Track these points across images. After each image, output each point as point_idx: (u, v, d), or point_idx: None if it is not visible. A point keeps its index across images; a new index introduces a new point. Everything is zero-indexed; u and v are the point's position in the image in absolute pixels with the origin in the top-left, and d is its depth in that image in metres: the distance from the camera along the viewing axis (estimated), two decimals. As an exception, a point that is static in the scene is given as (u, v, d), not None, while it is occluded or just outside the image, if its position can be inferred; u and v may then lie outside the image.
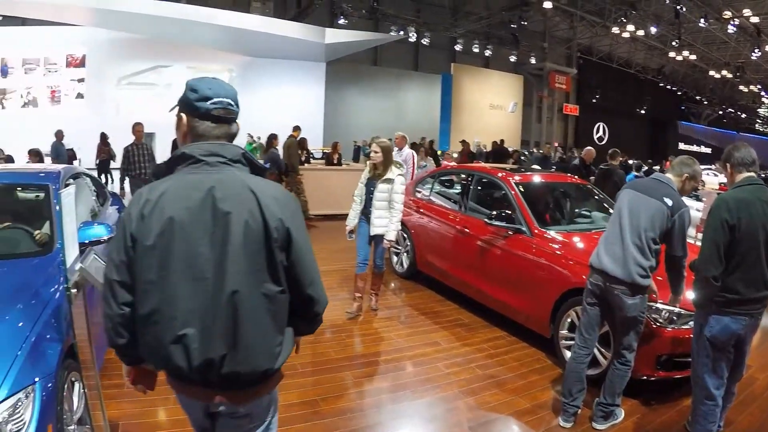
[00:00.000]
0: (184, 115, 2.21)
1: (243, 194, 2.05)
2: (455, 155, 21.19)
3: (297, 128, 13.28)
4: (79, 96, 27.48)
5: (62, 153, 15.44)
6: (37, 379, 2.80)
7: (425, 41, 30.01)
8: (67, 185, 4.94)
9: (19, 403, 2.67)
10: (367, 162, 6.72)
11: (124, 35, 26.02)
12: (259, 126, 25.06)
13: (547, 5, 25.96)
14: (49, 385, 2.86)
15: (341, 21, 27.34)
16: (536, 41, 33.66)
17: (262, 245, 2.04)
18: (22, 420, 2.64)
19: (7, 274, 3.84)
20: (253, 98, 27.05)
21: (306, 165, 14.03)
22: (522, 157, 22.02)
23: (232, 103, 2.22)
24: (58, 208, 4.48)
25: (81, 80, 27.46)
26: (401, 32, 28.84)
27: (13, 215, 5.10)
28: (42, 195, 5.03)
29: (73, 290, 3.33)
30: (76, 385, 3.32)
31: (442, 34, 31.37)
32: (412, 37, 29.42)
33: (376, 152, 6.28)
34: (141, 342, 2.07)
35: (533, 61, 33.90)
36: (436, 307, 7.07)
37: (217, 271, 2.00)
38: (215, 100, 2.15)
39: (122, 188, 9.84)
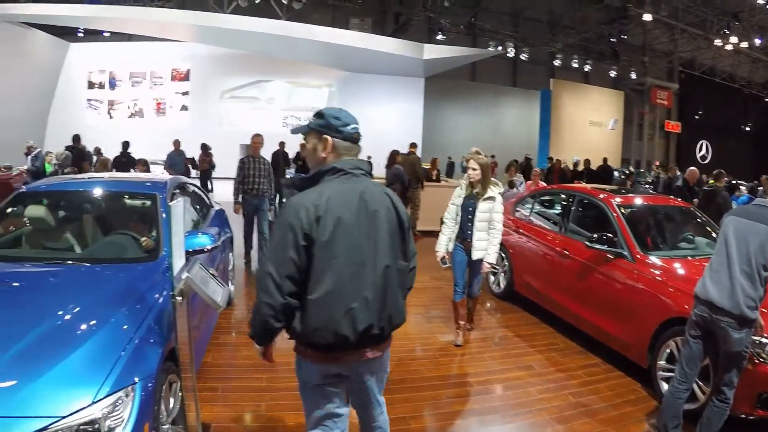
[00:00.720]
0: (329, 137, 2.76)
1: (381, 196, 2.80)
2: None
3: (414, 145, 13.45)
4: (184, 108, 28.68)
5: (177, 162, 15.30)
6: (137, 380, 2.97)
7: (523, 56, 29.56)
8: (173, 195, 5.31)
9: (120, 401, 2.84)
10: (461, 180, 6.22)
11: (226, 50, 26.77)
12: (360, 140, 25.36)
13: (647, 17, 25.15)
14: (149, 385, 3.05)
15: (439, 37, 27.13)
16: (636, 55, 32.59)
17: (397, 233, 2.82)
18: (120, 417, 2.81)
19: (115, 277, 4.12)
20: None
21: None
22: (638, 179, 21.36)
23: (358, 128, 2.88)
24: (164, 216, 4.78)
25: (185, 93, 28.63)
26: (499, 47, 28.50)
27: (122, 222, 5.43)
28: (149, 203, 5.27)
29: (178, 298, 3.45)
30: (173, 387, 3.52)
31: (540, 49, 30.81)
32: (510, 53, 28.96)
33: (474, 169, 5.82)
34: (308, 322, 2.61)
35: (633, 75, 32.85)
36: (532, 329, 6.95)
37: (372, 255, 2.68)
38: (353, 125, 2.83)
39: (237, 201, 9.14)
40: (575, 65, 30.98)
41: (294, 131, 2.99)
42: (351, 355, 2.67)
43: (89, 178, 6.65)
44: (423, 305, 7.71)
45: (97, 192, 5.74)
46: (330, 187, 2.65)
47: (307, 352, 2.70)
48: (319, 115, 2.82)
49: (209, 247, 4.47)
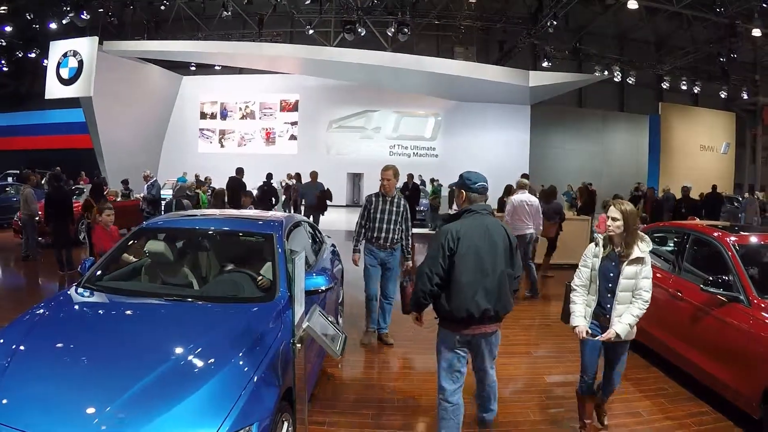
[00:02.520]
0: (464, 191, 4.27)
1: (499, 227, 4.20)
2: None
3: (527, 176, 13.05)
4: (292, 138, 29.59)
5: (309, 195, 15.56)
6: (254, 421, 3.11)
7: (630, 80, 28.71)
8: (289, 233, 5.53)
9: None
10: (597, 234, 5.31)
11: (333, 82, 27.32)
12: (467, 168, 25.21)
13: (756, 32, 23.96)
14: (265, 425, 3.17)
15: (544, 63, 26.77)
16: (747, 73, 31.13)
17: (508, 251, 4.17)
18: None
19: (233, 317, 4.29)
20: (459, 142, 27.35)
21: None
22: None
23: (486, 182, 4.29)
24: (280, 255, 4.91)
25: (294, 123, 29.53)
26: (605, 72, 27.79)
27: (238, 260, 5.59)
28: (265, 242, 5.38)
29: (298, 345, 3.66)
30: (284, 425, 3.61)
31: (647, 71, 29.87)
32: (617, 77, 28.22)
33: (615, 219, 4.46)
34: (450, 304, 4.04)
35: (745, 96, 31.38)
36: (640, 372, 6.56)
37: (491, 264, 4.05)
38: (480, 183, 4.24)
39: (356, 249, 7.30)
40: (684, 87, 29.85)
41: (451, 186, 5.28)
42: (475, 327, 4.08)
43: (205, 215, 6.83)
44: (529, 343, 7.66)
45: (214, 230, 5.97)
46: (467, 220, 4.15)
47: (448, 324, 4.15)
48: (459, 177, 4.35)
49: (324, 288, 4.75)
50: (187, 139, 31.15)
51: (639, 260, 4.50)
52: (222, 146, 31.12)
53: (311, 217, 15.09)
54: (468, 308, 3.97)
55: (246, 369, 3.45)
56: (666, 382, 6.28)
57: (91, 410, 3.02)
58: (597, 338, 4.53)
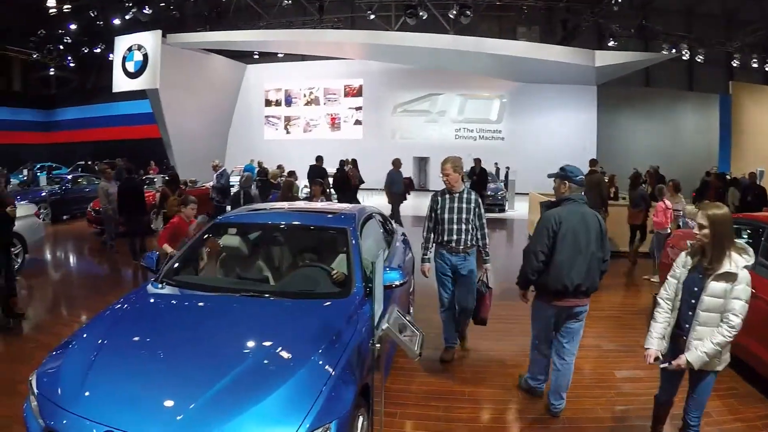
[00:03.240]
0: (567, 182, 4.79)
1: (593, 216, 4.77)
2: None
3: (595, 162, 12.80)
4: (357, 122, 29.87)
5: (396, 182, 15.25)
6: (333, 419, 3.11)
7: (699, 58, 27.79)
8: (362, 225, 5.55)
9: None
10: (687, 241, 4.47)
11: (397, 66, 27.28)
12: (533, 151, 24.80)
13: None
14: (343, 424, 3.17)
15: (610, 42, 26.12)
16: (822, 50, 29.84)
17: (599, 236, 4.71)
18: None
19: (311, 313, 4.31)
20: (525, 124, 27.07)
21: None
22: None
23: (583, 176, 4.93)
24: (354, 249, 4.93)
25: (358, 108, 29.81)
26: (673, 50, 26.93)
27: (312, 254, 5.66)
28: (339, 236, 5.42)
29: (377, 345, 3.67)
30: (360, 419, 3.60)
31: (716, 48, 28.88)
32: (685, 55, 27.35)
33: (702, 226, 3.76)
34: (548, 278, 4.68)
35: (820, 72, 30.14)
36: None
37: (585, 246, 4.63)
38: (579, 176, 4.83)
39: (425, 258, 6.30)
40: (755, 65, 28.76)
41: (551, 176, 5.08)
42: (566, 300, 4.71)
43: (277, 209, 6.89)
44: (599, 336, 7.32)
45: (288, 224, 6.01)
46: (567, 207, 4.75)
47: (544, 296, 4.81)
48: (562, 169, 4.90)
49: (398, 283, 4.73)
50: (252, 126, 31.70)
51: (730, 276, 3.69)
52: (288, 132, 31.59)
53: (394, 205, 15.13)
54: (564, 282, 4.64)
55: (325, 367, 3.47)
56: (737, 382, 5.99)
57: (174, 407, 3.10)
58: (664, 366, 3.91)
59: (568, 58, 23.57)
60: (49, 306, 8.85)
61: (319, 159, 15.97)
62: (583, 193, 4.85)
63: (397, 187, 15.25)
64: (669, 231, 9.60)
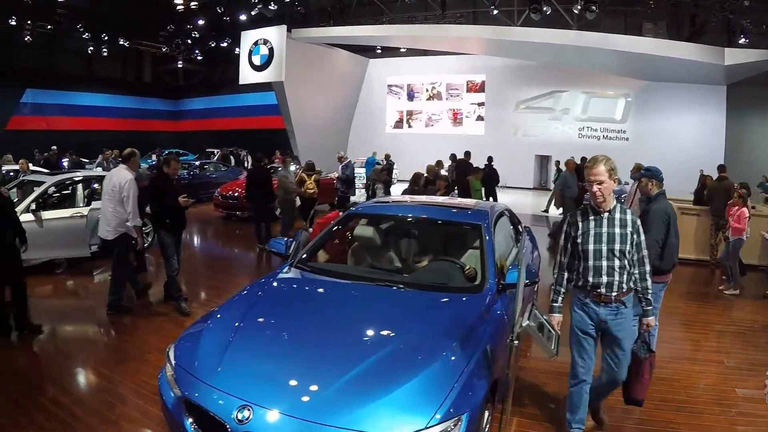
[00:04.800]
0: (656, 181, 5.86)
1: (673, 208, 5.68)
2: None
3: (724, 168, 12.49)
4: (479, 118, 29.85)
5: (571, 185, 13.66)
6: (465, 412, 3.15)
7: (840, 56, 26.13)
8: (495, 222, 5.53)
9: (448, 430, 3.04)
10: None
11: (520, 62, 27.26)
12: (659, 153, 23.98)
13: None
14: (473, 418, 3.20)
15: (741, 40, 25.07)
16: None
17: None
18: None
19: (445, 306, 4.38)
20: (650, 125, 26.36)
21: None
22: None
23: None
24: (488, 246, 4.93)
25: (481, 104, 29.76)
26: (812, 47, 25.51)
27: (444, 248, 5.78)
28: (472, 231, 5.50)
29: (515, 341, 3.73)
30: (485, 414, 3.59)
31: None
32: (826, 52, 25.82)
33: None
34: (662, 257, 5.49)
35: None
36: None
37: (674, 233, 5.57)
38: (661, 175, 5.81)
39: (554, 304, 4.85)
40: None
41: (634, 177, 7.62)
42: (669, 277, 5.75)
43: (410, 202, 6.98)
44: (722, 351, 7.12)
45: (422, 218, 6.05)
46: (664, 201, 5.75)
47: (656, 277, 5.03)
48: (648, 170, 6.02)
49: (529, 282, 4.59)
50: (374, 119, 32.26)
51: None
52: (410, 127, 31.99)
53: (566, 211, 13.90)
54: (674, 260, 5.76)
55: (460, 360, 3.53)
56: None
57: (311, 389, 3.24)
58: None
59: (696, 55, 22.67)
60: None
61: (467, 154, 16.36)
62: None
63: (572, 192, 13.71)
64: (746, 239, 9.56)
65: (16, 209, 7.57)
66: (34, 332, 6.88)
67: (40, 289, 8.78)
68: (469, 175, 15.18)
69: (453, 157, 17.97)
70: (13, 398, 5.21)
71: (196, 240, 14.14)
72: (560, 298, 4.45)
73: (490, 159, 17.35)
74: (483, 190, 15.84)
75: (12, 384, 5.54)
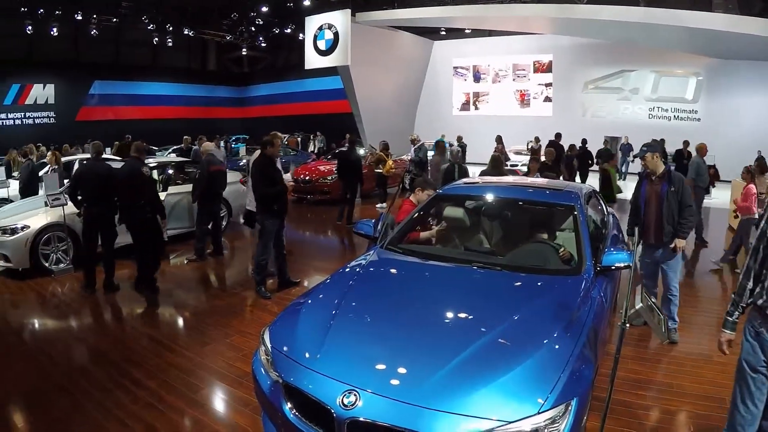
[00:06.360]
0: (658, 155, 5.82)
1: None
2: None
3: None
4: (547, 99, 29.51)
5: (703, 171, 11.58)
6: (575, 397, 3.03)
7: None
8: (587, 204, 5.42)
9: (559, 415, 2.93)
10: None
11: (587, 41, 26.82)
12: (733, 135, 23.27)
13: None
14: (582, 403, 3.09)
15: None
16: None
17: None
18: (557, 430, 2.90)
19: (545, 289, 4.26)
20: (723, 105, 25.38)
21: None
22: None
23: None
24: (583, 223, 4.88)
25: (548, 84, 29.43)
26: None
27: (537, 229, 5.60)
28: (565, 213, 5.50)
29: (627, 325, 3.50)
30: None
31: None
32: None
33: None
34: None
35: None
36: None
37: None
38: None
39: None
40: None
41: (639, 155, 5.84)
42: None
43: (500, 183, 6.74)
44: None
45: (513, 199, 5.98)
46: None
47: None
48: (654, 141, 5.03)
49: (624, 265, 4.42)
50: (441, 102, 32.24)
51: None
52: (476, 108, 31.80)
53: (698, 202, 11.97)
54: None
55: (567, 344, 3.40)
56: None
57: (419, 375, 3.13)
58: None
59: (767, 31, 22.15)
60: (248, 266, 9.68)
61: (558, 136, 16.60)
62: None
63: (703, 180, 11.86)
64: (757, 216, 8.89)
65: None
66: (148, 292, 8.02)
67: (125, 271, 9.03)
68: (605, 163, 15.60)
69: (571, 146, 17.55)
70: (98, 381, 5.38)
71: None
72: (737, 313, 3.54)
73: (584, 141, 17.42)
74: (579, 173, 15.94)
75: (97, 367, 5.75)
